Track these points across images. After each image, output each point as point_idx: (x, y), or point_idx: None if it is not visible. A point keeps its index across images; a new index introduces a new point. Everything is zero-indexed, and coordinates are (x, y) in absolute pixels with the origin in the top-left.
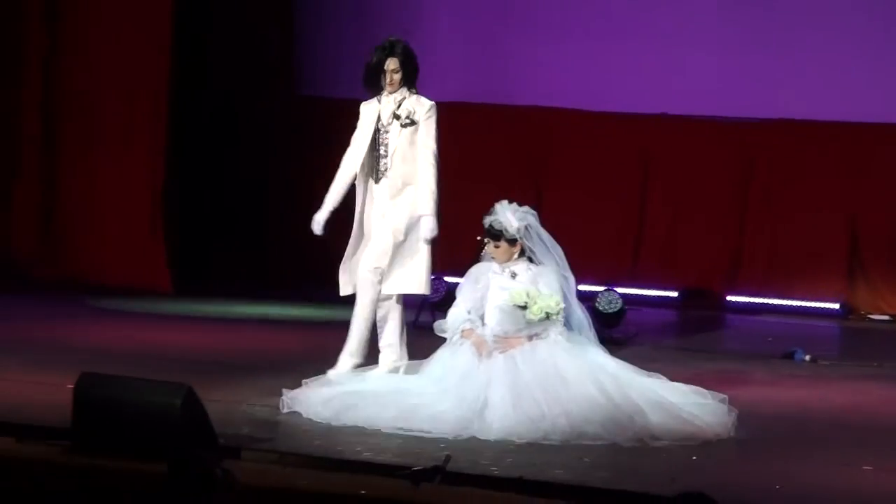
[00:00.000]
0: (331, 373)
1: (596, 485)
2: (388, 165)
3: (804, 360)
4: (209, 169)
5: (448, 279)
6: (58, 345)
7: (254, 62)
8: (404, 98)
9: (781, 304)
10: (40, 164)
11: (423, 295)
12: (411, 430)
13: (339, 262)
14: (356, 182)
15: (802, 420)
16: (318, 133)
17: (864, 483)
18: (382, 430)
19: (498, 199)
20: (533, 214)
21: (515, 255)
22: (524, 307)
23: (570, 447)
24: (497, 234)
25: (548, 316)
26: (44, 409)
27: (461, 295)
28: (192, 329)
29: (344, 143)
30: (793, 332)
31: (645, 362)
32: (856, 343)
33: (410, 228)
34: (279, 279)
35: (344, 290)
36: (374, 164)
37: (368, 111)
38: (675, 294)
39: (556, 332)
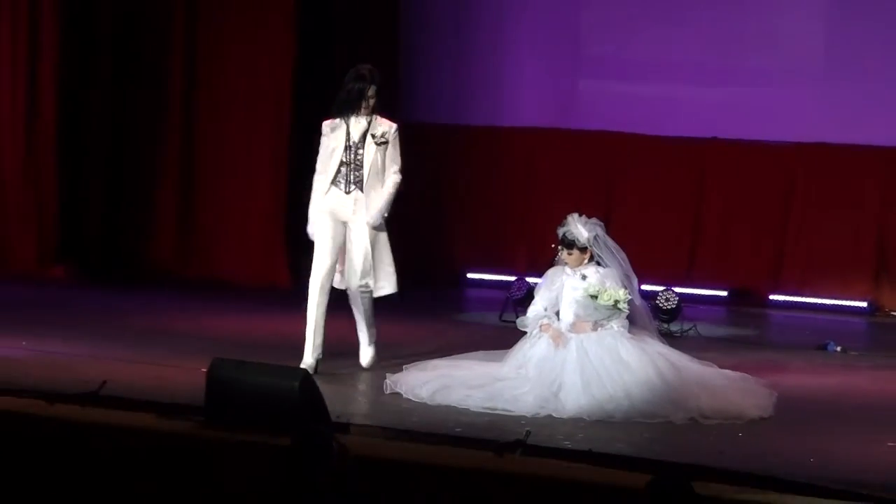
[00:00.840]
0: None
1: (653, 457)
2: (363, 179)
3: (836, 351)
4: None
5: (529, 280)
6: (193, 334)
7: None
8: (373, 119)
9: (816, 303)
10: (179, 175)
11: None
12: (496, 410)
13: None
14: (320, 187)
15: (834, 403)
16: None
17: (887, 457)
18: (471, 409)
19: (570, 212)
20: (600, 225)
21: (586, 261)
22: (596, 296)
23: (632, 424)
24: (570, 244)
25: (616, 304)
26: (181, 390)
27: (539, 294)
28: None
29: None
30: (826, 326)
31: (698, 352)
32: (881, 336)
33: (377, 234)
34: None
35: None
36: (346, 177)
37: (338, 130)
38: (724, 293)
39: (619, 324)
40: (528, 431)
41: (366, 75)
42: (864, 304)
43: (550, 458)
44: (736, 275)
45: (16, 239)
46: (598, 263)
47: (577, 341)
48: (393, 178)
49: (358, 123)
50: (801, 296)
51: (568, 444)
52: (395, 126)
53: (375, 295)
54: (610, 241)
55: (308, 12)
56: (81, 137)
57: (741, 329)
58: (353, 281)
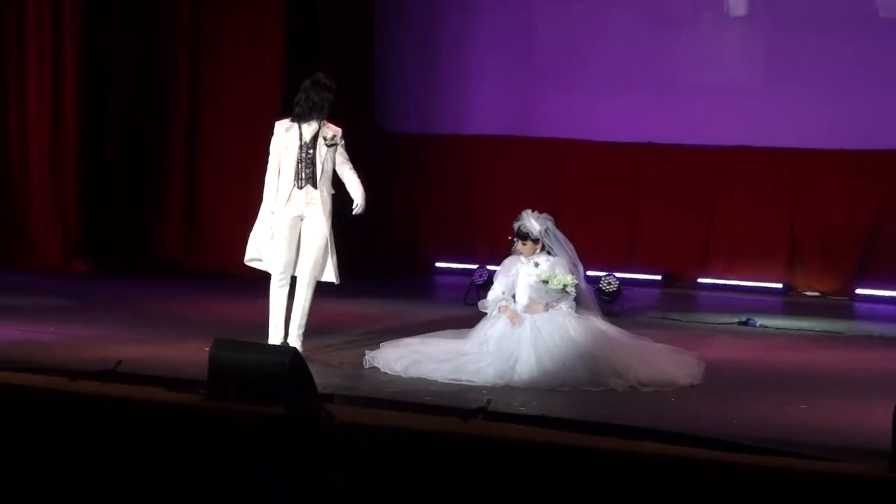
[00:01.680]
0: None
1: (600, 420)
2: (316, 176)
3: (755, 326)
4: None
5: (489, 267)
6: (197, 318)
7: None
8: (322, 123)
9: (738, 284)
10: (185, 180)
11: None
12: (461, 381)
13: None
14: (287, 181)
15: (754, 371)
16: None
17: (800, 417)
18: (439, 381)
19: (524, 209)
20: (550, 220)
21: (538, 251)
22: (547, 282)
23: (580, 392)
24: (524, 235)
25: (564, 288)
26: (187, 367)
27: (497, 280)
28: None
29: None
30: (747, 305)
31: (636, 328)
32: (794, 313)
33: (322, 230)
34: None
35: (248, 258)
36: (299, 174)
37: (291, 131)
38: (658, 277)
39: (567, 305)
40: (488, 400)
41: (330, 85)
42: (780, 286)
43: (509, 422)
44: (668, 261)
45: (42, 237)
46: (549, 253)
47: (530, 321)
48: (354, 174)
49: (309, 126)
50: (725, 279)
51: (524, 410)
52: (340, 130)
53: (321, 279)
54: (559, 234)
55: (295, 36)
56: (99, 147)
57: (673, 308)
58: (305, 270)
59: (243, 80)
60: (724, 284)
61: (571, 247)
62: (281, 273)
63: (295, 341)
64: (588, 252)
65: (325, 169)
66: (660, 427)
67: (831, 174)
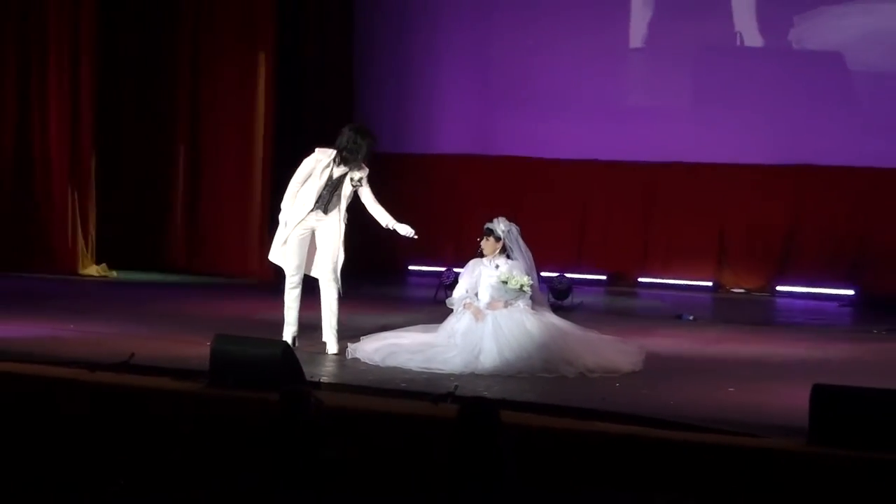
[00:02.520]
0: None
1: (554, 402)
2: (332, 206)
3: (689, 320)
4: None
5: (455, 269)
6: (200, 316)
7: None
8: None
9: (673, 283)
10: (187, 193)
11: (440, 279)
12: (431, 369)
13: None
14: (305, 205)
15: (688, 359)
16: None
17: (728, 399)
18: (413, 369)
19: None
20: (516, 227)
21: (498, 251)
22: (506, 282)
23: (536, 378)
24: (489, 232)
25: (521, 288)
26: (191, 359)
27: (462, 279)
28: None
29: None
30: (681, 301)
31: (584, 322)
32: (723, 308)
33: (336, 237)
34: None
35: (271, 256)
36: (326, 201)
37: (325, 163)
38: (604, 277)
39: (524, 303)
40: (456, 386)
41: (374, 137)
42: (710, 284)
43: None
44: (612, 263)
45: (63, 244)
46: (508, 257)
47: (492, 316)
48: (379, 205)
49: (341, 166)
50: (662, 278)
51: (486, 395)
52: (367, 171)
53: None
54: (521, 242)
55: (283, 63)
56: (112, 164)
57: (617, 304)
58: (323, 270)
59: (238, 102)
60: (661, 283)
61: (530, 255)
62: (293, 275)
63: (331, 339)
64: (542, 255)
65: (342, 201)
66: (606, 408)
67: (753, 186)
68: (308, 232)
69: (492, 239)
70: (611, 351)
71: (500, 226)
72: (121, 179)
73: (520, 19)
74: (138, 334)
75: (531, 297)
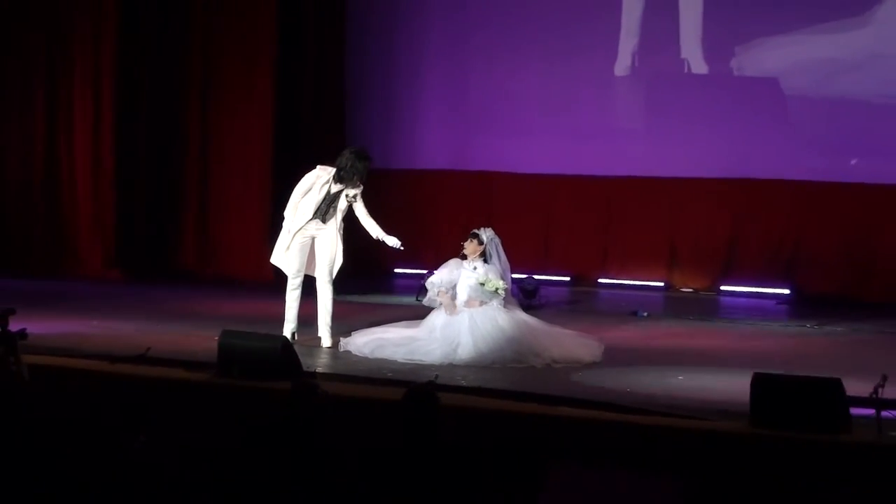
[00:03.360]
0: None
1: (524, 390)
2: (330, 217)
3: (643, 316)
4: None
5: (436, 272)
6: (209, 314)
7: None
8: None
9: (629, 283)
10: (198, 203)
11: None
12: (414, 360)
13: None
14: (304, 215)
15: (642, 350)
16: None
17: (678, 386)
18: (398, 361)
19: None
20: (498, 239)
21: (478, 255)
22: (483, 284)
23: (508, 369)
24: (474, 235)
25: (496, 290)
26: (201, 352)
27: (439, 272)
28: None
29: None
30: (636, 299)
31: (551, 318)
32: (673, 305)
33: (333, 243)
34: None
35: (273, 259)
36: (323, 213)
37: (322, 181)
38: (567, 278)
39: (497, 302)
40: (436, 375)
41: (371, 158)
42: (661, 284)
43: (453, 392)
44: (575, 265)
45: (85, 250)
46: (486, 261)
47: (468, 314)
48: (371, 219)
49: (338, 184)
50: (619, 279)
51: (464, 383)
52: (361, 188)
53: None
54: (501, 250)
55: (283, 87)
56: (130, 177)
57: (579, 303)
58: (320, 272)
59: (242, 122)
60: (618, 283)
61: (505, 258)
62: (294, 277)
63: (326, 335)
64: (512, 259)
65: (337, 213)
66: (571, 395)
67: (699, 197)
68: (308, 239)
69: (475, 242)
70: (573, 344)
71: (486, 233)
72: (138, 193)
73: (494, 50)
74: (153, 330)
75: (504, 299)
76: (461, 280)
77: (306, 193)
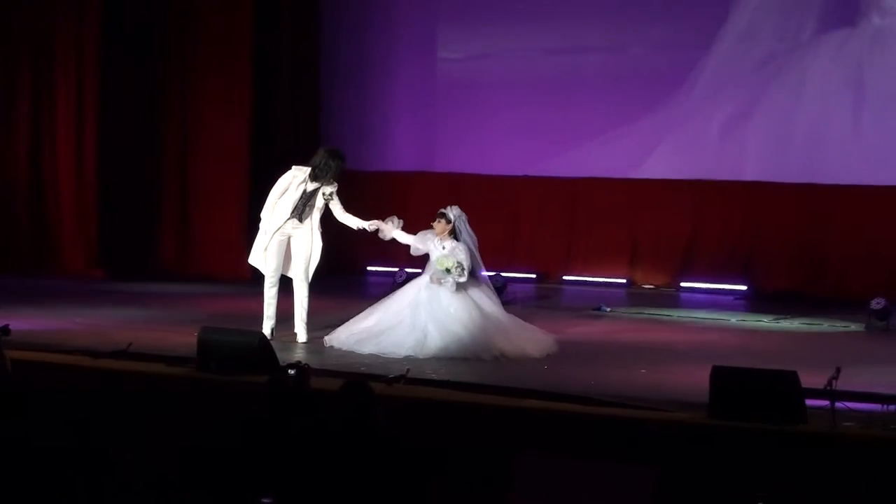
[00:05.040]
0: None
1: (493, 383)
2: (307, 215)
3: (606, 311)
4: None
5: (407, 270)
6: (188, 311)
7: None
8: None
9: (593, 280)
10: (178, 205)
11: (393, 278)
12: (385, 354)
13: None
14: (282, 215)
15: (606, 344)
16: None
17: (641, 379)
18: (377, 354)
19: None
20: (465, 216)
21: (447, 233)
22: (443, 263)
23: (477, 363)
24: (442, 215)
25: (446, 269)
26: (181, 347)
27: (412, 237)
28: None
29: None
30: (599, 295)
31: (517, 314)
32: (635, 301)
33: (309, 242)
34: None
35: (251, 260)
36: (300, 212)
37: (300, 179)
38: (533, 276)
39: (451, 279)
40: (408, 369)
41: (345, 157)
42: (624, 281)
43: (423, 385)
44: (540, 263)
45: (69, 250)
46: (456, 238)
47: (430, 306)
48: (348, 214)
49: (314, 182)
50: (583, 276)
51: (434, 377)
52: (336, 186)
53: (309, 278)
54: (468, 227)
55: (260, 92)
56: (112, 180)
57: (545, 299)
58: (295, 271)
59: (221, 125)
60: (583, 280)
61: (475, 240)
62: (271, 276)
63: (301, 331)
64: (483, 257)
65: (314, 212)
66: (538, 388)
67: (659, 197)
68: (285, 238)
69: (443, 221)
70: (523, 339)
71: (453, 211)
72: (119, 194)
73: (462, 54)
74: (135, 326)
75: (461, 276)
76: (430, 254)
77: (283, 193)
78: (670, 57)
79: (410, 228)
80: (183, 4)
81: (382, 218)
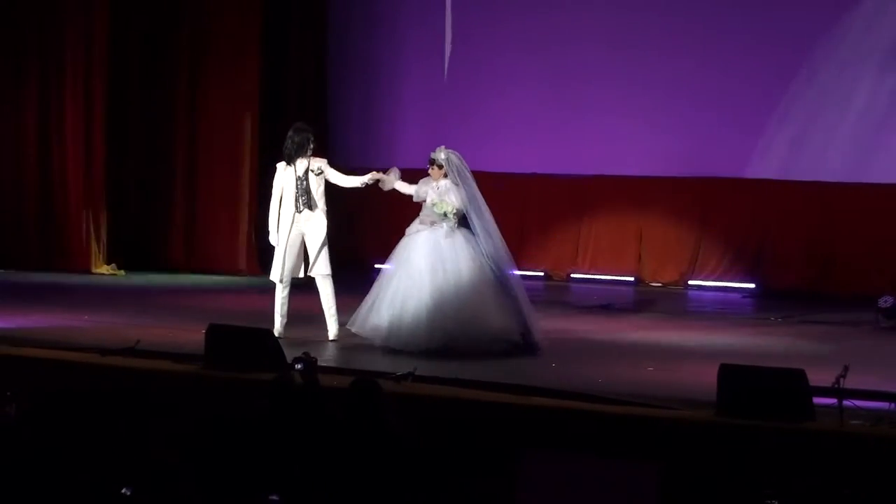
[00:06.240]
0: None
1: (499, 381)
2: (312, 202)
3: (615, 309)
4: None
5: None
6: (196, 308)
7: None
8: (310, 159)
9: (600, 278)
10: (185, 203)
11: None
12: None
13: None
14: (289, 211)
15: (614, 342)
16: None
17: (648, 376)
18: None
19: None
20: (456, 155)
21: (442, 177)
22: (435, 205)
23: (483, 360)
24: (432, 161)
25: (444, 213)
26: (189, 344)
27: (412, 186)
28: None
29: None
30: (607, 293)
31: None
32: (643, 299)
33: (322, 236)
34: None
35: (274, 275)
36: (297, 202)
37: (288, 171)
38: (542, 273)
39: (448, 226)
40: (415, 367)
41: (307, 128)
42: (632, 279)
43: (430, 383)
44: (548, 261)
45: (79, 246)
46: (456, 184)
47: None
48: (348, 178)
49: (301, 163)
50: (591, 273)
51: (439, 374)
52: (325, 160)
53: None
54: (464, 167)
55: (268, 88)
56: (121, 177)
57: (553, 296)
58: (316, 268)
59: (230, 124)
60: (590, 278)
61: (472, 180)
62: (285, 278)
63: (333, 327)
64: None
65: (318, 194)
66: (545, 385)
67: (668, 195)
68: (299, 237)
69: (435, 168)
70: (500, 319)
71: (441, 154)
72: (128, 191)
73: (472, 53)
74: (143, 324)
75: (457, 220)
76: (427, 197)
77: (281, 193)
78: (681, 55)
79: None
80: (192, 4)
81: (388, 216)
